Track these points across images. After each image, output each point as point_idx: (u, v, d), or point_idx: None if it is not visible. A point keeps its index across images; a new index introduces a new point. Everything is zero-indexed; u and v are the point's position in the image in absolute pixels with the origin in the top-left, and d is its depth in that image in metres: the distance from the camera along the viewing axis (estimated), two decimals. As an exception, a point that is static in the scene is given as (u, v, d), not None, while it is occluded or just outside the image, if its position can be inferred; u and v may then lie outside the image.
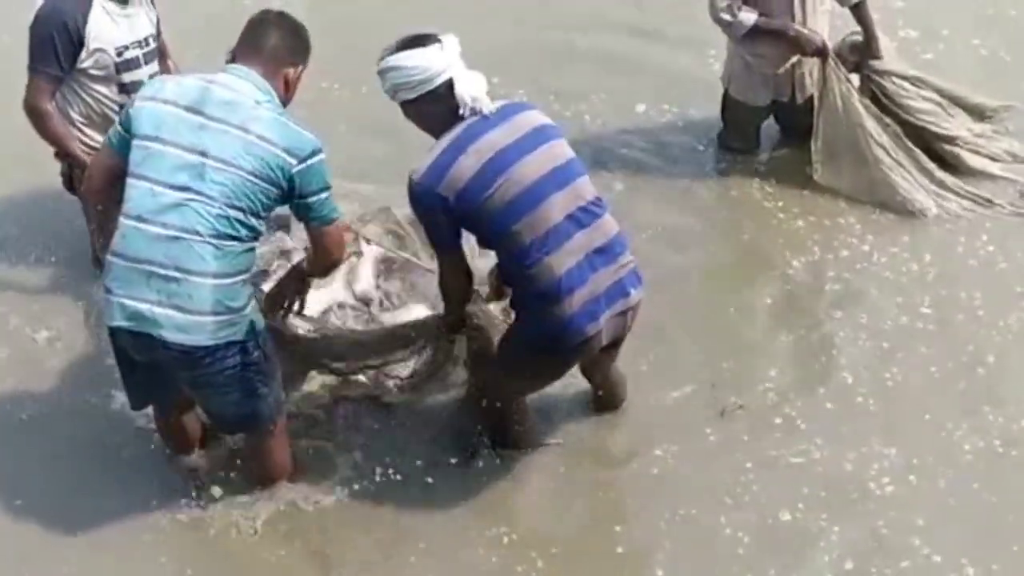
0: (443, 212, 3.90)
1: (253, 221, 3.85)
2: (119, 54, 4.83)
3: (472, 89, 3.94)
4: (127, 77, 4.88)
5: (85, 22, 4.73)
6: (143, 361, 3.98)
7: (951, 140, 5.82)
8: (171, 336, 3.79)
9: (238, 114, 3.81)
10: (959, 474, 4.37)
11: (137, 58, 4.90)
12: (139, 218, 3.81)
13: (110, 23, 4.80)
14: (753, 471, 4.39)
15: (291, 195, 3.86)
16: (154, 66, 4.99)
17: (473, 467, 4.44)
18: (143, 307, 3.79)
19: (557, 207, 3.93)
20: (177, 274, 3.77)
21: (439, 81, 3.92)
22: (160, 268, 3.78)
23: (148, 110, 3.87)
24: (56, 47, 4.74)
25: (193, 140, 3.79)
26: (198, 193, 3.77)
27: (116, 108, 4.84)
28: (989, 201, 5.66)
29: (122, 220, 3.86)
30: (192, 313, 3.78)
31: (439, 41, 3.96)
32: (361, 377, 4.62)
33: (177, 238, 3.76)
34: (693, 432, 4.57)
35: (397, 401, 4.63)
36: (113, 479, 4.43)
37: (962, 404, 4.65)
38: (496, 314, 4.38)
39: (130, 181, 3.87)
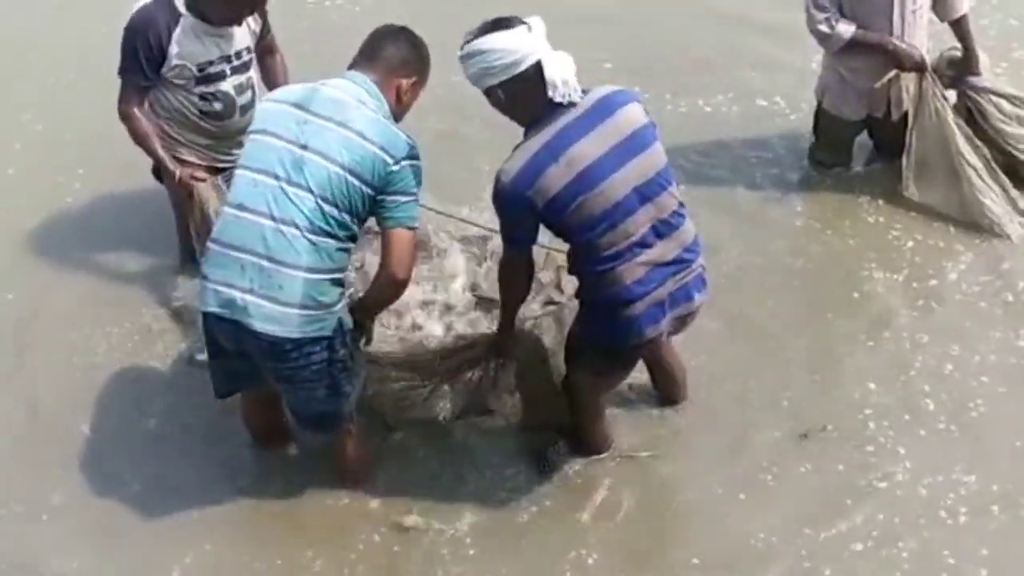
0: (529, 214, 3.88)
1: (348, 219, 3.88)
2: (201, 69, 4.89)
3: (562, 72, 3.84)
4: (207, 88, 4.94)
5: (169, 39, 4.79)
6: (232, 349, 4.04)
7: None
8: (259, 326, 3.85)
9: (341, 112, 3.88)
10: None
11: (222, 72, 4.95)
12: (240, 206, 3.89)
13: (195, 41, 4.84)
14: (833, 494, 4.35)
15: (379, 193, 3.89)
16: (242, 76, 5.01)
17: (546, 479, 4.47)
18: (236, 295, 3.86)
19: (640, 221, 3.91)
20: (270, 264, 3.83)
21: (527, 64, 3.82)
22: (255, 257, 3.84)
23: (260, 109, 4.06)
24: (140, 59, 4.81)
25: (296, 133, 3.87)
26: (295, 184, 3.84)
27: (196, 112, 4.98)
28: None
29: (224, 208, 3.96)
30: (282, 304, 3.83)
31: (525, 23, 3.88)
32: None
33: (275, 229, 3.83)
34: (779, 452, 4.54)
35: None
36: (200, 467, 4.52)
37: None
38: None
39: (237, 172, 3.97)
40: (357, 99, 3.92)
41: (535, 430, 4.54)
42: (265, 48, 5.20)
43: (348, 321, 4.03)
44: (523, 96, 3.87)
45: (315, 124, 3.87)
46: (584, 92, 3.92)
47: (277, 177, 3.86)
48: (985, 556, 4.12)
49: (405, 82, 4.04)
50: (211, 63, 4.90)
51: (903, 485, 4.38)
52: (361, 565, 4.20)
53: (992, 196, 5.56)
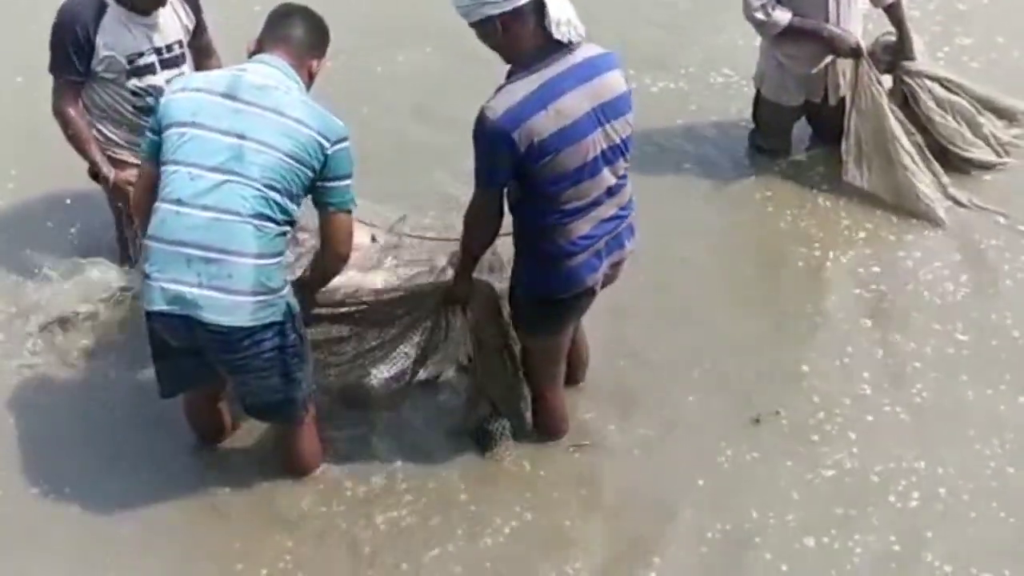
0: (509, 155, 3.81)
1: (289, 204, 3.89)
2: (130, 61, 4.80)
3: (566, 12, 3.80)
4: (138, 82, 4.85)
5: (97, 29, 4.71)
6: (179, 347, 4.00)
7: (969, 162, 5.84)
8: (212, 317, 3.82)
9: (271, 98, 3.88)
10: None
11: (151, 64, 4.85)
12: (178, 201, 3.84)
13: (123, 30, 4.75)
14: (785, 482, 4.38)
15: (318, 178, 3.91)
16: (174, 71, 4.89)
17: (494, 455, 4.48)
18: (184, 290, 3.82)
19: (602, 182, 3.97)
20: (218, 255, 3.81)
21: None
22: (200, 251, 3.81)
23: (180, 100, 3.94)
24: (69, 54, 4.73)
25: (231, 124, 3.84)
26: (237, 174, 3.82)
27: (130, 108, 4.90)
28: (1001, 215, 5.62)
29: (159, 205, 3.90)
30: (233, 293, 3.82)
31: None
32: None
33: (217, 220, 3.81)
34: (729, 438, 4.56)
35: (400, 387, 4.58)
36: (141, 467, 4.45)
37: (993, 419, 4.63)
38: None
39: (166, 168, 3.90)
40: (283, 85, 3.93)
41: (481, 406, 4.52)
42: (202, 50, 5.10)
43: (295, 305, 4.02)
44: (519, 31, 3.80)
45: (248, 112, 3.86)
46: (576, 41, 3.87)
47: (216, 169, 3.83)
48: (929, 539, 4.19)
49: (315, 63, 4.09)
50: (140, 55, 4.81)
51: (853, 472, 4.42)
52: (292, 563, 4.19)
53: (925, 181, 5.64)
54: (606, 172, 3.97)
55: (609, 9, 6.83)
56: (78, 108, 4.87)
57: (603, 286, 4.25)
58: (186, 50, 4.99)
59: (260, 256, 3.85)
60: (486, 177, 3.93)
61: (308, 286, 4.17)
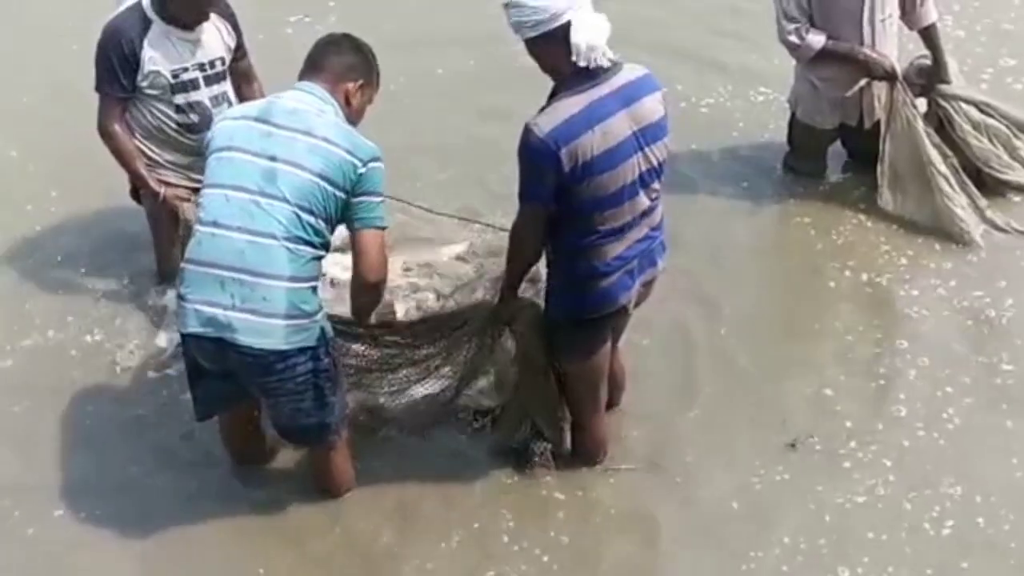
0: (552, 171, 3.83)
1: (322, 226, 3.91)
2: (175, 76, 4.90)
3: (589, 37, 3.81)
4: (181, 99, 4.96)
5: (142, 44, 4.82)
6: (214, 369, 4.02)
7: (1006, 184, 5.79)
8: (246, 340, 3.84)
9: (302, 121, 3.92)
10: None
11: (195, 80, 4.96)
12: (214, 223, 3.89)
13: (167, 46, 4.87)
14: (816, 507, 4.34)
15: (352, 195, 3.93)
16: (217, 88, 5.03)
17: (531, 476, 4.46)
18: (218, 312, 3.85)
19: (638, 205, 4.01)
20: (251, 278, 3.83)
21: (556, 24, 3.81)
22: (234, 272, 3.84)
23: (220, 128, 4.04)
24: (115, 69, 4.84)
25: (263, 146, 3.89)
26: (270, 196, 3.85)
27: (174, 125, 5.00)
28: None
29: (197, 228, 3.95)
30: (267, 316, 3.84)
31: None
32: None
33: (251, 242, 3.83)
34: (764, 462, 4.53)
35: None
36: (179, 488, 4.46)
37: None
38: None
39: (205, 192, 3.97)
40: (315, 108, 3.97)
41: (523, 426, 4.48)
42: (242, 75, 5.20)
43: (329, 329, 4.03)
44: (551, 55, 3.89)
45: (280, 135, 3.90)
46: (614, 63, 3.92)
47: (249, 191, 3.87)
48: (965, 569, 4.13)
49: (352, 86, 4.09)
50: (185, 70, 4.91)
51: (886, 498, 4.37)
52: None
53: (961, 204, 5.60)
54: (642, 195, 4.00)
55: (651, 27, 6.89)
56: (124, 125, 4.95)
57: (636, 305, 4.25)
58: (227, 69, 5.08)
59: (294, 279, 3.87)
60: (531, 192, 3.94)
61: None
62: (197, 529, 4.30)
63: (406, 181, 5.52)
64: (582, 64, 3.83)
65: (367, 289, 4.04)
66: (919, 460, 4.50)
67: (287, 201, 3.85)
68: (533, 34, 3.86)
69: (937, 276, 5.40)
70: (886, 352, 5.01)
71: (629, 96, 3.92)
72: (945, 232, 5.59)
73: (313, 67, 4.09)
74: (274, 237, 3.84)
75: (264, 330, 3.85)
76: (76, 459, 4.59)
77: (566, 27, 3.81)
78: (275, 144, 3.89)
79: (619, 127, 3.88)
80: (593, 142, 3.82)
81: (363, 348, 4.38)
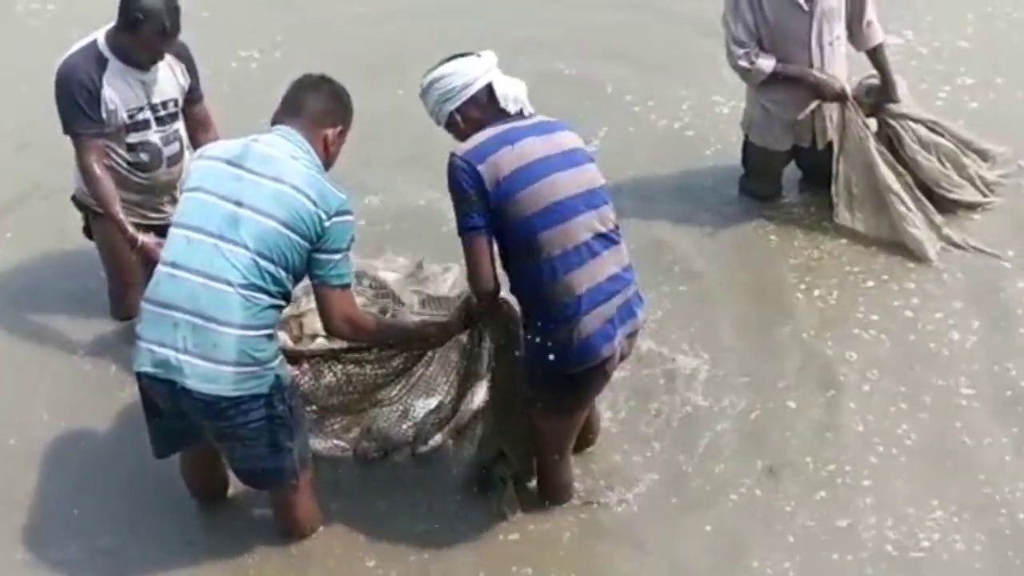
0: (476, 192, 3.91)
1: (283, 275, 3.86)
2: (130, 116, 4.88)
3: (513, 90, 4.08)
4: (133, 138, 4.93)
5: (101, 81, 4.79)
6: (169, 409, 3.97)
7: (956, 203, 5.85)
8: (194, 385, 3.80)
9: (274, 167, 3.88)
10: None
11: (147, 120, 4.94)
12: (173, 264, 3.86)
13: (124, 86, 4.84)
14: (797, 533, 4.32)
15: (315, 249, 3.89)
16: (168, 128, 4.99)
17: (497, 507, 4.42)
18: (170, 354, 3.81)
19: (584, 227, 3.98)
20: (203, 322, 3.79)
21: (479, 86, 4.05)
22: (187, 315, 3.80)
23: (193, 167, 4.04)
24: (82, 106, 4.79)
25: (230, 190, 3.85)
26: (230, 241, 3.81)
27: (124, 164, 4.97)
28: (996, 256, 5.61)
29: (158, 268, 3.92)
30: (217, 362, 3.79)
31: (475, 54, 4.14)
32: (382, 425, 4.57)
33: (206, 286, 3.79)
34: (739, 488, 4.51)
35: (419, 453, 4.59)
36: (142, 528, 4.41)
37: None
38: None
39: (171, 231, 3.94)
40: (289, 154, 3.92)
41: (488, 448, 4.46)
42: (199, 121, 5.16)
43: (285, 376, 3.99)
44: (477, 116, 4.06)
45: (248, 180, 3.86)
46: (531, 115, 4.13)
47: (211, 234, 3.83)
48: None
49: (331, 132, 4.06)
50: (140, 109, 4.90)
51: (859, 518, 4.37)
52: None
53: (915, 221, 5.65)
54: (588, 215, 3.99)
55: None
56: (102, 165, 4.88)
57: (622, 359, 4.19)
58: (179, 109, 5.05)
59: (246, 327, 3.82)
60: (465, 222, 3.98)
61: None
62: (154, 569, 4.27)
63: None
64: (511, 109, 4.05)
65: (342, 338, 4.13)
66: (888, 481, 4.50)
67: (247, 248, 3.80)
68: (459, 102, 4.05)
69: (900, 296, 5.43)
70: (845, 372, 5.01)
71: (543, 129, 4.09)
72: (903, 249, 5.63)
73: (290, 110, 4.04)
74: (229, 284, 3.79)
75: (212, 376, 3.80)
76: (40, 504, 4.55)
77: (489, 87, 4.06)
78: (243, 189, 3.85)
79: (533, 147, 4.00)
80: (509, 156, 3.93)
81: (351, 368, 4.35)
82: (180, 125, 5.08)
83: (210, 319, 3.79)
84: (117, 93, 4.83)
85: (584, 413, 4.34)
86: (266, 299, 3.85)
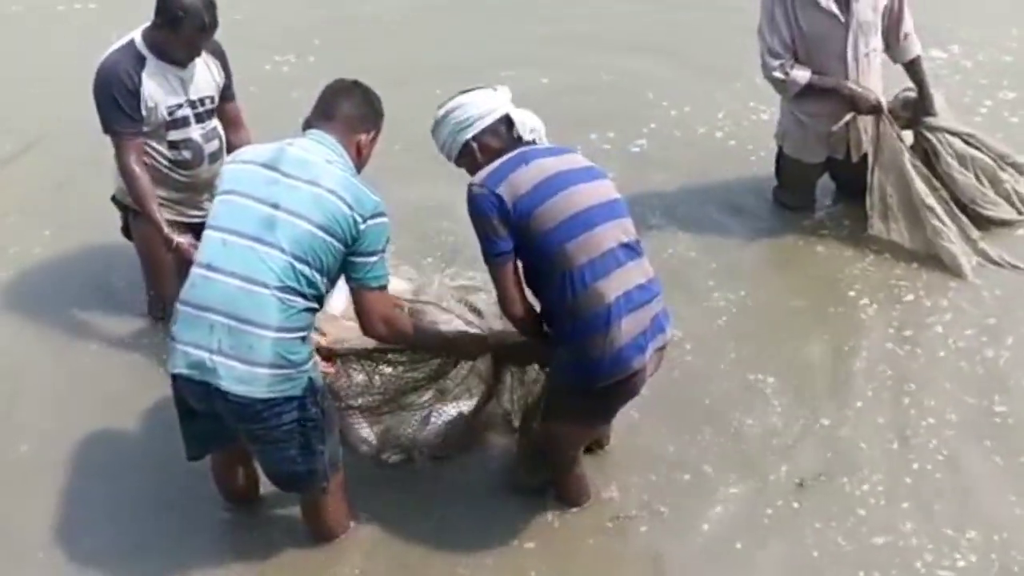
0: (499, 215, 3.94)
1: (318, 278, 3.88)
2: (170, 112, 4.93)
3: (531, 119, 4.15)
4: (174, 135, 4.98)
5: (140, 79, 4.85)
6: (202, 410, 4.00)
7: (990, 220, 5.81)
8: (229, 387, 3.82)
9: (309, 171, 3.90)
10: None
11: (187, 117, 4.99)
12: (208, 266, 3.88)
13: (163, 81, 4.90)
14: (827, 548, 4.29)
15: (349, 251, 3.91)
16: (207, 125, 5.06)
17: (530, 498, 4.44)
18: (205, 356, 3.83)
19: (609, 235, 4.00)
20: (239, 324, 3.81)
21: (496, 116, 4.11)
22: (223, 317, 3.82)
23: (227, 170, 4.06)
24: (120, 104, 4.84)
25: (266, 193, 3.88)
26: (267, 243, 3.83)
27: (166, 162, 5.02)
28: None
29: (193, 269, 3.94)
30: (252, 364, 3.81)
31: (491, 87, 4.20)
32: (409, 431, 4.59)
33: (242, 288, 3.82)
34: (769, 501, 4.49)
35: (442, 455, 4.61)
36: (172, 528, 4.44)
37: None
38: None
39: (205, 233, 3.97)
40: (324, 159, 3.95)
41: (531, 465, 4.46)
42: (230, 120, 5.20)
43: (318, 379, 4.01)
44: (495, 145, 4.09)
45: (285, 183, 3.89)
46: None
47: (247, 236, 3.85)
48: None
49: (364, 137, 4.09)
50: (179, 106, 4.95)
51: (898, 548, 4.31)
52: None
53: (951, 236, 5.62)
54: (611, 224, 4.01)
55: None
56: (142, 164, 4.93)
57: (650, 375, 4.16)
58: (216, 107, 5.10)
59: (282, 329, 3.84)
60: (490, 249, 4.01)
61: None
62: (184, 570, 4.28)
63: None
64: (528, 137, 4.12)
65: (380, 340, 4.15)
66: (921, 497, 4.47)
67: (283, 251, 3.83)
68: (476, 131, 4.10)
69: (933, 312, 5.38)
70: (879, 387, 4.98)
71: (556, 151, 4.16)
72: (937, 263, 5.60)
73: (324, 115, 4.06)
74: (266, 286, 3.82)
75: (247, 378, 3.82)
76: (74, 501, 4.58)
77: (505, 118, 4.13)
78: (279, 192, 3.88)
79: (548, 163, 4.05)
80: (526, 174, 3.98)
81: (383, 368, 4.40)
82: (217, 122, 5.14)
83: (246, 321, 3.81)
84: (157, 89, 4.87)
85: (603, 425, 4.37)
86: (301, 302, 3.87)
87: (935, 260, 5.62)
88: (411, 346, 4.29)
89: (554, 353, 4.13)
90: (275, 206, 3.86)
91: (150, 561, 4.32)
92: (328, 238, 3.85)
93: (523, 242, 3.98)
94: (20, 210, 6.23)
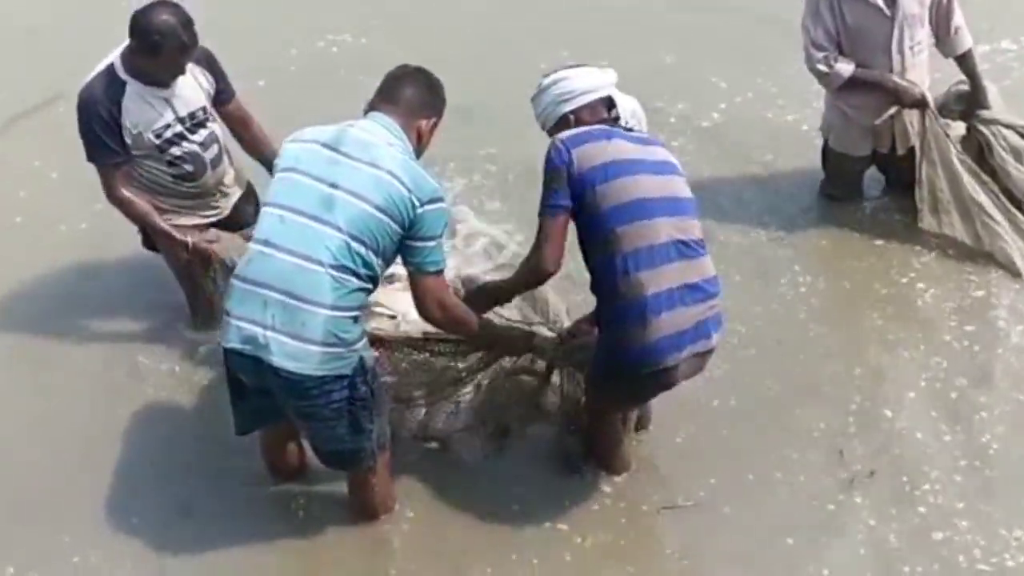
0: (567, 173, 4.00)
1: (373, 259, 3.90)
2: (158, 136, 4.80)
3: (633, 106, 4.23)
4: (174, 151, 4.86)
5: (120, 109, 4.72)
6: (254, 386, 4.04)
7: None
8: (280, 363, 3.85)
9: (370, 152, 3.93)
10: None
11: (180, 133, 4.85)
12: (265, 243, 3.92)
13: (145, 106, 4.75)
14: (877, 544, 4.26)
15: (406, 235, 3.94)
16: (203, 133, 4.92)
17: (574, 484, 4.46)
18: (258, 331, 3.87)
19: (664, 230, 3.99)
20: (293, 301, 3.84)
21: (600, 94, 4.19)
22: (277, 293, 3.86)
23: (286, 149, 4.08)
24: (102, 137, 4.73)
25: (326, 172, 3.91)
26: (324, 222, 3.86)
27: (170, 179, 4.92)
28: None
29: (251, 246, 3.98)
30: (303, 341, 3.84)
31: (599, 67, 4.29)
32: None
33: (298, 266, 3.85)
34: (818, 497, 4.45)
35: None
36: (216, 502, 4.49)
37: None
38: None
39: (264, 209, 4.02)
40: (385, 141, 3.98)
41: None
42: (236, 119, 5.11)
43: (369, 359, 4.03)
44: (590, 121, 4.16)
45: (345, 164, 3.92)
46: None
47: (305, 214, 3.89)
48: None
49: (425, 123, 4.12)
50: (167, 127, 4.81)
51: (951, 544, 4.27)
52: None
53: (1003, 233, 5.51)
54: (668, 219, 4.01)
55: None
56: (130, 188, 4.87)
57: (686, 377, 4.16)
58: (212, 112, 5.00)
59: (335, 308, 3.86)
60: (548, 202, 4.05)
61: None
62: (230, 546, 4.34)
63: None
64: (630, 124, 4.18)
65: (435, 324, 4.17)
66: (971, 494, 4.42)
67: (340, 230, 3.85)
68: (577, 105, 4.17)
69: (992, 308, 5.31)
70: (936, 383, 4.92)
71: (642, 140, 4.19)
72: (989, 255, 5.50)
73: (387, 99, 4.09)
74: (321, 264, 3.84)
75: (299, 355, 3.85)
76: (112, 490, 4.61)
77: (607, 99, 4.20)
78: (339, 172, 3.91)
79: (630, 150, 4.09)
80: (605, 149, 4.03)
81: (428, 358, 4.44)
82: (215, 126, 5.02)
83: (300, 298, 3.84)
84: (139, 116, 4.75)
85: (633, 409, 4.42)
86: (355, 281, 3.89)
87: (985, 255, 5.51)
88: (463, 333, 4.28)
89: (598, 340, 4.16)
90: (334, 185, 3.89)
91: (193, 529, 4.39)
92: (385, 219, 3.87)
93: (579, 211, 4.03)
94: (65, 195, 6.17)
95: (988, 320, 5.24)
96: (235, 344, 3.92)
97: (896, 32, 5.44)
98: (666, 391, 4.21)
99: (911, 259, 5.59)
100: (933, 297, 5.38)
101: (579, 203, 4.01)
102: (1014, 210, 5.54)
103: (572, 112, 4.16)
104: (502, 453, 4.60)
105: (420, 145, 4.12)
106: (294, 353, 3.85)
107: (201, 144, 4.93)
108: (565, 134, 4.06)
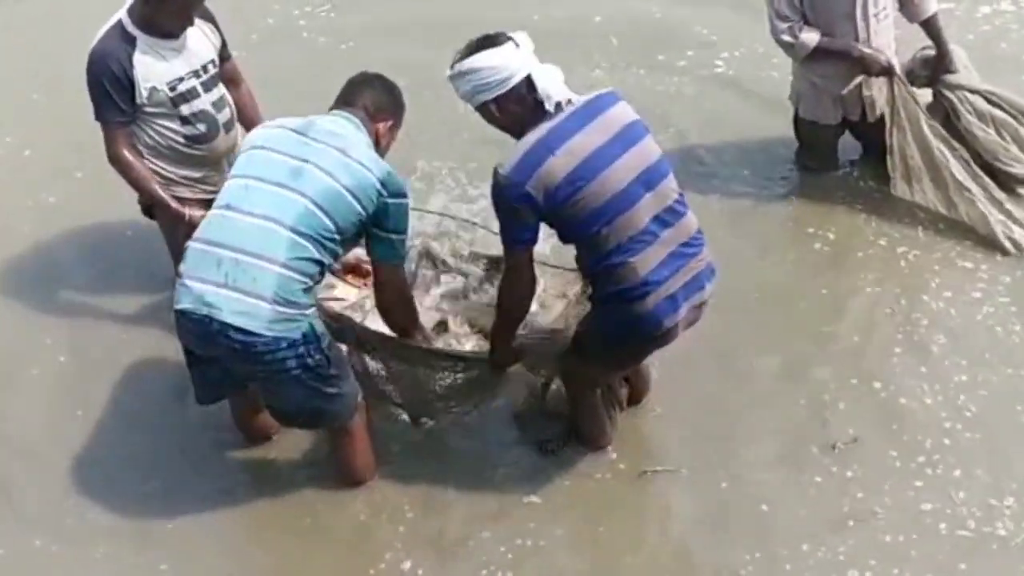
0: (529, 209, 3.87)
1: (333, 230, 3.97)
2: (172, 88, 4.80)
3: (553, 84, 3.92)
4: (186, 109, 4.86)
5: (131, 63, 4.71)
6: (204, 353, 4.09)
7: (1013, 177, 5.65)
8: (230, 319, 3.88)
9: (339, 140, 4.05)
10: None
11: (194, 87, 4.86)
12: (226, 206, 4.01)
13: (158, 59, 4.75)
14: (857, 511, 4.26)
15: (370, 224, 4.03)
16: (216, 92, 4.96)
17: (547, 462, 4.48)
18: (208, 289, 3.91)
19: (645, 210, 3.94)
20: (247, 258, 3.91)
21: (518, 79, 3.91)
22: (232, 252, 3.92)
23: (255, 133, 4.25)
24: (111, 95, 4.73)
25: (297, 150, 4.03)
26: (291, 188, 3.96)
27: (182, 140, 4.91)
28: None
29: (211, 212, 4.07)
30: (254, 297, 3.89)
31: (511, 39, 3.96)
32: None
33: (256, 225, 3.93)
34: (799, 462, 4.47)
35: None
36: (198, 475, 4.55)
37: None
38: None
39: (228, 181, 4.10)
40: (351, 134, 4.09)
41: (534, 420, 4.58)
42: (229, 77, 5.12)
43: (321, 327, 4.06)
44: (515, 110, 3.96)
45: (316, 146, 4.03)
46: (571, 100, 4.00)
47: (271, 182, 3.98)
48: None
49: (382, 126, 4.24)
50: (180, 80, 4.82)
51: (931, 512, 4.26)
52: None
53: (971, 197, 5.52)
54: (648, 197, 3.95)
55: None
56: (133, 151, 4.89)
57: (685, 328, 4.16)
58: (219, 70, 5.06)
59: (286, 267, 3.90)
60: (512, 236, 3.97)
61: None
62: (205, 515, 4.40)
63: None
64: (549, 108, 3.91)
65: (386, 314, 4.26)
66: (955, 462, 4.43)
67: (305, 196, 3.94)
68: (496, 94, 3.92)
69: (969, 277, 5.33)
70: (906, 347, 4.95)
71: (591, 113, 3.96)
72: (960, 222, 5.53)
73: (345, 102, 4.22)
74: (281, 224, 3.92)
75: (248, 310, 3.89)
76: (99, 464, 4.68)
77: (528, 79, 3.91)
78: (310, 151, 4.01)
79: (586, 140, 3.89)
80: (557, 164, 3.84)
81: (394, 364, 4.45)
82: (224, 90, 5.08)
83: (252, 254, 3.91)
84: (151, 70, 4.75)
85: (626, 371, 4.41)
86: (312, 249, 3.95)
87: (959, 222, 5.54)
88: (406, 329, 4.34)
89: (590, 313, 4.21)
90: (305, 160, 3.99)
91: (175, 510, 4.42)
92: (352, 200, 3.96)
93: (556, 223, 3.98)
94: (30, 165, 6.26)
95: (965, 285, 5.26)
96: (186, 304, 3.95)
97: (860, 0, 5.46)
98: (663, 347, 4.21)
99: (888, 225, 5.62)
100: (915, 258, 5.42)
101: (554, 219, 3.95)
102: (984, 176, 5.55)
103: (493, 101, 3.94)
104: (482, 417, 4.66)
105: (379, 148, 4.21)
106: (243, 309, 3.89)
107: (214, 104, 4.96)
108: (510, 166, 3.86)
